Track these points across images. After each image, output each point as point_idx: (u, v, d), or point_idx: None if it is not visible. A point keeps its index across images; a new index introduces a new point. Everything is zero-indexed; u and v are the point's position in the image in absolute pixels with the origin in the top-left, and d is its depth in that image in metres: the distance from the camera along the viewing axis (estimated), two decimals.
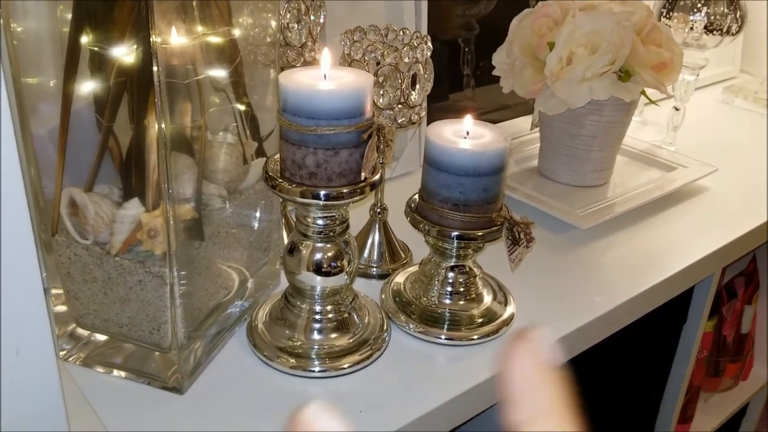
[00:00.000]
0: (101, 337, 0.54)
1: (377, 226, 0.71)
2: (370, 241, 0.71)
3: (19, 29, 0.48)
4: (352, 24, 0.82)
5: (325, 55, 0.51)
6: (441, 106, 1.06)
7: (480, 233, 0.59)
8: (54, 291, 0.54)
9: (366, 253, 0.70)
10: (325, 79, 0.51)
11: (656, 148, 0.97)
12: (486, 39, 1.06)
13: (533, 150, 0.95)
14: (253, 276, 0.63)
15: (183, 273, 0.50)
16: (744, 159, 1.02)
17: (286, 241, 0.68)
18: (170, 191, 0.47)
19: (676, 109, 0.98)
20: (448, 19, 1.07)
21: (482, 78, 1.09)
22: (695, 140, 1.06)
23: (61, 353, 0.55)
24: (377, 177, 0.54)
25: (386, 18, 0.87)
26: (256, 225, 0.61)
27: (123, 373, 0.54)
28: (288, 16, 0.60)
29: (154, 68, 0.44)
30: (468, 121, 0.59)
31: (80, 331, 0.54)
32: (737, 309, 1.08)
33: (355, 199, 0.53)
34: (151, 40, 0.44)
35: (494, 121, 1.06)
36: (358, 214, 0.73)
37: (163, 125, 0.46)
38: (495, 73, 0.87)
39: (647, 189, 0.87)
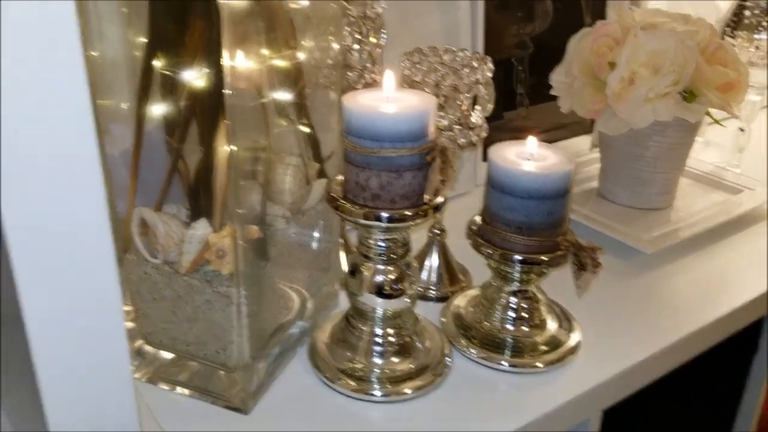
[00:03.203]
0: (167, 355, 0.55)
1: (435, 248, 0.70)
2: (428, 263, 0.70)
3: (95, 53, 0.50)
4: (407, 42, 0.83)
5: (389, 77, 0.52)
6: (496, 125, 1.05)
7: (545, 258, 0.57)
8: (123, 308, 0.55)
9: (424, 276, 0.70)
10: (389, 102, 0.51)
11: (721, 170, 0.94)
12: (540, 57, 1.05)
13: (592, 171, 0.94)
14: (313, 296, 0.63)
15: (249, 293, 0.51)
16: None
17: (343, 261, 0.69)
18: (238, 212, 0.48)
19: (741, 130, 0.95)
20: (502, 38, 1.06)
21: (536, 96, 1.08)
22: (761, 162, 1.02)
23: None
24: (441, 199, 0.54)
25: (442, 36, 0.87)
26: (316, 245, 0.62)
27: (187, 391, 0.54)
28: (349, 38, 0.61)
29: (225, 91, 0.45)
30: (531, 143, 0.58)
31: (147, 347, 0.55)
32: None
33: (419, 221, 0.53)
34: (222, 63, 0.45)
35: (549, 141, 1.05)
36: (416, 235, 0.72)
37: (232, 147, 0.46)
38: (553, 92, 0.86)
39: (713, 213, 0.84)
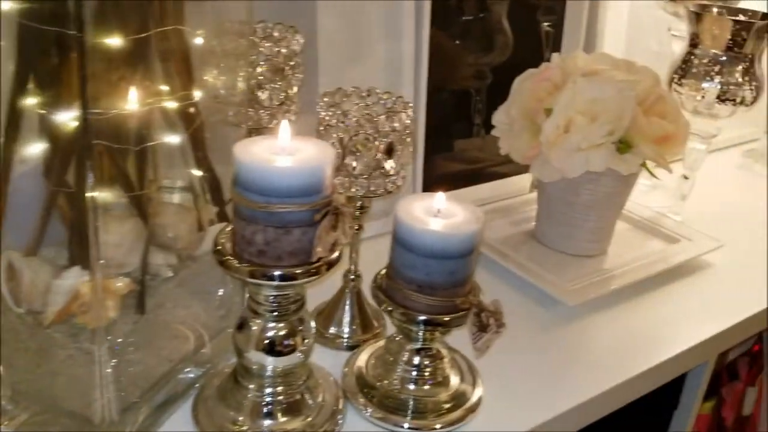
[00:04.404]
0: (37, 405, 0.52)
1: (349, 294, 0.67)
2: (340, 310, 0.67)
3: None
4: (351, 75, 0.80)
5: (284, 128, 0.49)
6: (447, 156, 1.03)
7: (446, 318, 0.55)
8: None
9: (336, 324, 0.67)
10: (284, 152, 0.48)
11: (661, 217, 0.93)
12: (498, 88, 1.03)
13: (533, 211, 0.91)
14: (212, 340, 0.60)
15: (120, 346, 0.48)
16: (756, 233, 0.97)
17: None
18: (101, 263, 0.44)
19: (685, 178, 0.93)
20: (458, 67, 1.04)
21: (492, 127, 1.06)
22: (707, 209, 1.00)
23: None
24: (335, 255, 0.51)
25: (385, 69, 0.84)
26: (213, 291, 0.59)
27: None
28: (261, 77, 0.57)
29: (88, 135, 0.42)
30: (440, 198, 0.55)
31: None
32: (739, 390, 1.02)
33: (310, 279, 0.50)
34: (86, 103, 0.41)
35: (501, 175, 1.03)
36: (331, 279, 0.69)
37: (95, 194, 0.43)
38: (494, 133, 0.84)
39: (645, 263, 0.82)
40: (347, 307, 0.67)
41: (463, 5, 1.02)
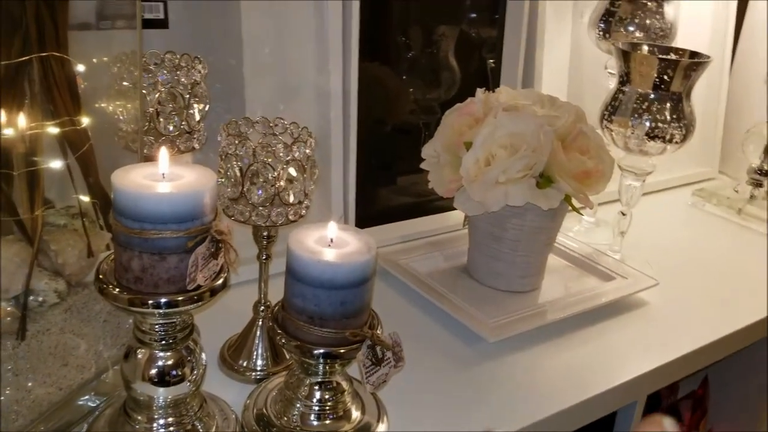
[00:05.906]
0: None
1: (260, 326, 0.66)
2: (251, 342, 0.66)
3: None
4: (279, 105, 0.81)
5: (163, 155, 0.49)
6: (393, 189, 1.04)
7: (341, 351, 0.54)
8: None
9: (247, 356, 0.66)
10: (164, 179, 0.48)
11: (600, 254, 0.92)
12: None
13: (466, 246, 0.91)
14: (112, 368, 0.59)
15: None
16: (696, 272, 0.96)
17: None
18: None
19: (623, 214, 0.93)
20: (404, 102, 1.05)
21: None
22: (651, 247, 1.00)
23: None
24: (220, 282, 0.51)
25: (316, 103, 0.85)
26: (106, 318, 0.58)
27: None
28: (158, 104, 0.58)
29: None
30: (332, 228, 0.55)
31: None
32: None
33: (192, 307, 0.49)
34: None
35: (448, 208, 1.03)
36: (243, 306, 0.68)
37: None
38: (422, 166, 0.84)
39: (575, 300, 0.81)
40: (258, 339, 0.66)
41: (410, 42, 1.04)
